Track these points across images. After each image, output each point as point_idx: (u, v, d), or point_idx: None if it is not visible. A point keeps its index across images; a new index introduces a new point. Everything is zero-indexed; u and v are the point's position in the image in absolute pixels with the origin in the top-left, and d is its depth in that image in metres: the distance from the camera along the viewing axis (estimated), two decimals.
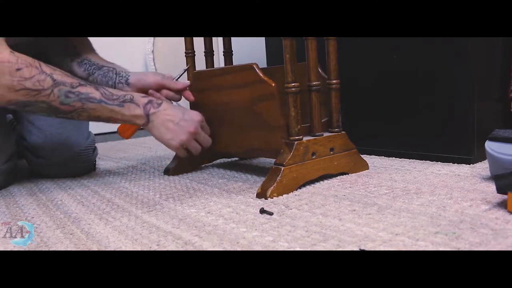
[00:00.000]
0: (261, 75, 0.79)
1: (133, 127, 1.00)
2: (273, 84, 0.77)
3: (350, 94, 1.01)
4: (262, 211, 0.64)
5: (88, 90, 0.78)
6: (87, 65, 1.01)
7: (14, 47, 0.79)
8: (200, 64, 1.01)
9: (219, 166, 1.05)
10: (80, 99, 0.77)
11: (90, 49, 1.06)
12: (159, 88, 0.96)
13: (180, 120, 0.83)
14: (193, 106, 0.99)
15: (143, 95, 0.84)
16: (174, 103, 0.94)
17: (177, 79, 0.98)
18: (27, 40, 0.88)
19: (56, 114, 0.78)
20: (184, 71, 1.01)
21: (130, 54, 2.11)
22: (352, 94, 1.03)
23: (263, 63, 1.32)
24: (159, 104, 0.83)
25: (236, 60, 1.09)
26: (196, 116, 0.85)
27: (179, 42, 1.25)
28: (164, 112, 0.82)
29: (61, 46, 1.03)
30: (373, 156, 1.02)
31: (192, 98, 0.96)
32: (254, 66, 0.79)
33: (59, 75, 0.77)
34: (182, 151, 0.85)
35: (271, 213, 0.63)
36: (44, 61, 0.76)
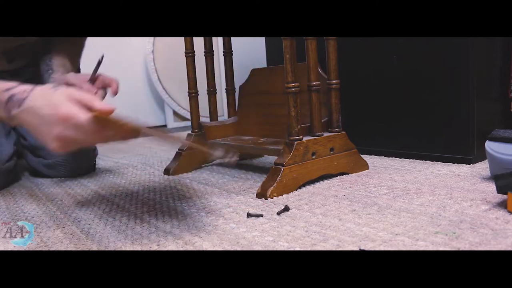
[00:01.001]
0: None
1: None
2: None
3: (350, 94, 1.01)
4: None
5: None
6: (44, 65, 0.96)
7: None
8: (200, 64, 1.01)
9: (219, 166, 1.05)
10: None
11: (66, 50, 0.99)
12: None
13: (42, 117, 0.52)
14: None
15: (7, 86, 0.56)
16: None
17: (93, 76, 0.86)
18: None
19: None
20: (98, 65, 0.86)
21: (130, 54, 2.11)
22: (352, 94, 1.03)
23: (263, 63, 1.32)
24: (22, 100, 0.54)
25: (236, 60, 1.09)
26: (59, 108, 0.51)
27: (179, 42, 1.25)
28: (29, 110, 0.54)
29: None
30: (373, 156, 1.02)
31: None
32: None
33: None
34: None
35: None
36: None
